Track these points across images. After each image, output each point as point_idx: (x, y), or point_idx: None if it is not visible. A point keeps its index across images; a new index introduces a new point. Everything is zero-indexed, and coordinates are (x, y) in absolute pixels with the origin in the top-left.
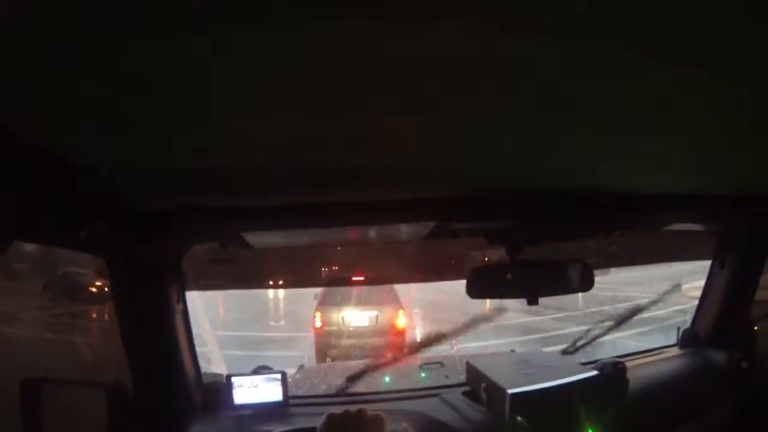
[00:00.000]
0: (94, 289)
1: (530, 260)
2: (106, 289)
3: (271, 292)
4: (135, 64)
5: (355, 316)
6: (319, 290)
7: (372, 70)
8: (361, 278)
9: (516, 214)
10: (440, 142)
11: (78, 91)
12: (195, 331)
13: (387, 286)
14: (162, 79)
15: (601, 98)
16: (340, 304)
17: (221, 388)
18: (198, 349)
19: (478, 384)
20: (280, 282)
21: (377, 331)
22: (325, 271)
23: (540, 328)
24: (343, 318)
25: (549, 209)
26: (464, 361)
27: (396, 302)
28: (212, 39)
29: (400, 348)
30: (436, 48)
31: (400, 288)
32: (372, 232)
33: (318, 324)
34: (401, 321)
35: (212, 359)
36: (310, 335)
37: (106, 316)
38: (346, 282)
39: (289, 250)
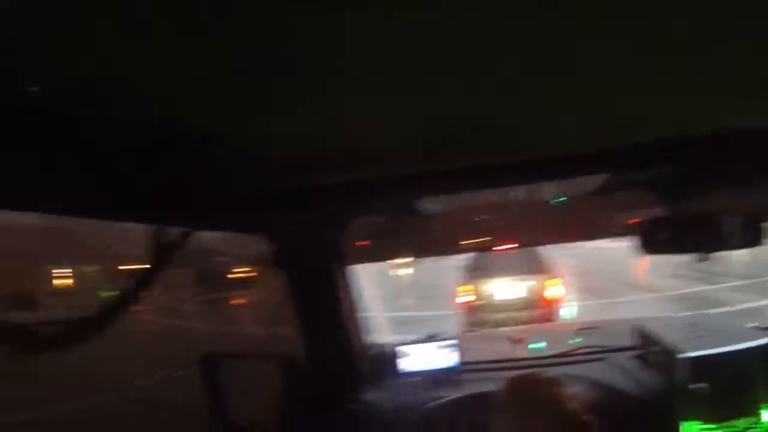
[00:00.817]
0: (238, 276)
1: (697, 213)
2: (251, 273)
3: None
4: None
5: (506, 288)
6: (461, 264)
7: None
8: (514, 242)
9: (684, 161)
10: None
11: (234, 72)
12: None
13: (536, 254)
14: (319, 55)
15: None
16: (489, 275)
17: (391, 356)
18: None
19: (647, 348)
20: (444, 249)
21: (531, 302)
22: (476, 237)
23: (717, 300)
24: (492, 290)
25: (718, 153)
26: (623, 325)
27: (549, 270)
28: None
29: (554, 319)
30: None
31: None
32: (523, 192)
33: (464, 298)
34: (555, 290)
35: (379, 328)
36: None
37: (256, 299)
38: (498, 245)
39: (452, 216)
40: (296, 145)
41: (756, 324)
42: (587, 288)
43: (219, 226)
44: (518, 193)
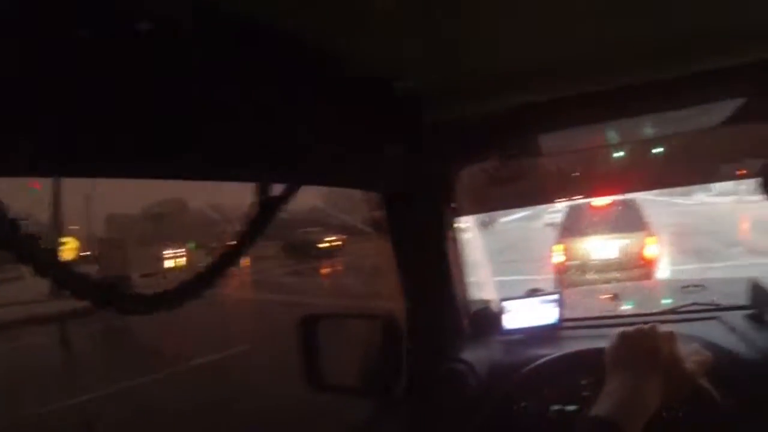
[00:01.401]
0: (325, 245)
1: None
2: (337, 243)
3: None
4: None
5: (602, 247)
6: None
7: None
8: (628, 185)
9: None
10: None
11: None
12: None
13: (634, 210)
14: None
15: None
16: (583, 233)
17: (491, 313)
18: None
19: (765, 306)
20: (561, 196)
21: (627, 262)
22: (578, 185)
23: None
24: (587, 249)
25: None
26: (730, 284)
27: (646, 228)
28: None
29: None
30: None
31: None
32: (649, 126)
33: (559, 258)
34: (653, 249)
35: (483, 285)
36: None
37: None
38: (615, 191)
39: (565, 160)
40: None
41: None
42: (691, 250)
43: (328, 182)
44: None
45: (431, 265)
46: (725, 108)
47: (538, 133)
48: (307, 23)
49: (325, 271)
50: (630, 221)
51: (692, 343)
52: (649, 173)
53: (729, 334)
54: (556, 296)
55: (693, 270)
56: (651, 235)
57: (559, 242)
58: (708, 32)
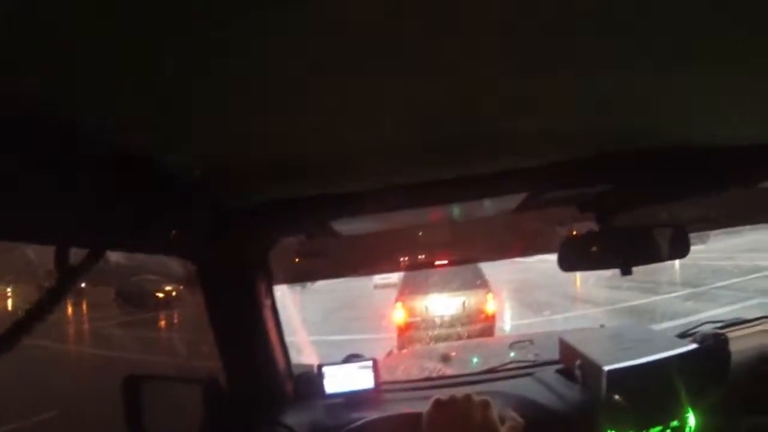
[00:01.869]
0: (161, 295)
1: (622, 227)
2: (173, 293)
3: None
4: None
5: (441, 304)
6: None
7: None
8: (449, 259)
9: (610, 177)
10: (538, 104)
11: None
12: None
13: (472, 269)
14: (224, 65)
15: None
16: (423, 292)
17: (312, 378)
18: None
19: (572, 361)
20: (368, 269)
21: (465, 318)
22: (409, 255)
23: (671, 312)
24: (427, 307)
25: (644, 168)
26: (556, 337)
27: (483, 285)
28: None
29: (491, 335)
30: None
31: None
32: (458, 210)
33: (400, 316)
34: (490, 306)
35: (302, 350)
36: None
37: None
38: (432, 263)
39: (376, 236)
40: (216, 164)
41: (677, 324)
42: (529, 303)
43: (135, 248)
44: (448, 210)
45: (248, 332)
46: (516, 199)
47: (334, 219)
48: (106, 117)
49: (157, 322)
50: (469, 279)
51: (508, 400)
52: (468, 248)
53: (543, 390)
54: (370, 362)
55: (532, 324)
56: (488, 291)
57: (398, 300)
58: (497, 138)
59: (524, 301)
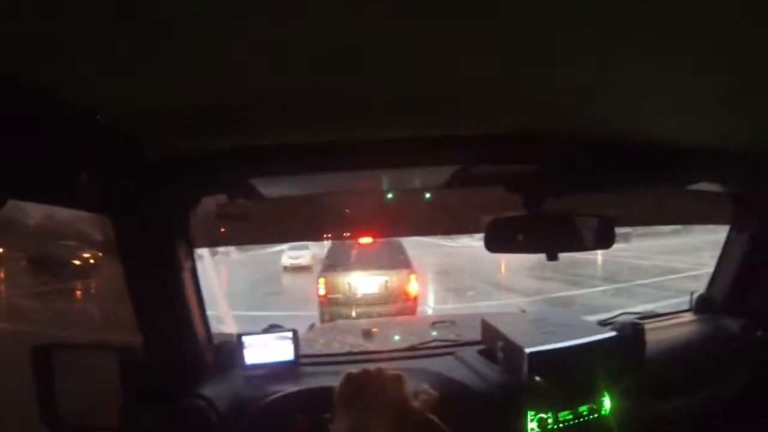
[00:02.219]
0: (78, 262)
1: (550, 213)
2: (91, 261)
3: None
4: None
5: (363, 282)
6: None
7: None
8: (375, 230)
9: (541, 158)
10: (482, 68)
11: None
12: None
13: (397, 249)
14: None
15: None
16: (346, 269)
17: (232, 347)
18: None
19: (493, 342)
20: (290, 236)
21: (387, 297)
22: (335, 224)
23: (596, 306)
24: (349, 284)
25: (577, 154)
26: (479, 319)
27: (407, 266)
28: None
29: (412, 315)
30: None
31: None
32: (388, 179)
33: (322, 291)
34: (413, 286)
35: (223, 319)
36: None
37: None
38: (360, 234)
39: (299, 202)
40: (133, 107)
41: (599, 319)
42: (454, 288)
43: (46, 198)
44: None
45: (169, 298)
46: (445, 172)
47: (257, 176)
48: (23, 64)
49: (74, 292)
50: (392, 259)
51: (428, 378)
52: (395, 223)
53: (463, 369)
54: (290, 333)
55: (458, 309)
56: (412, 272)
57: (321, 276)
58: (427, 103)
59: (449, 286)
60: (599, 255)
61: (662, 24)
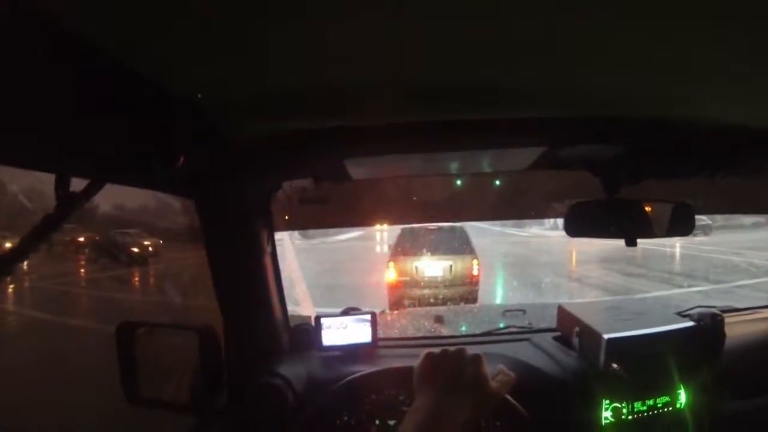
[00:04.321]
0: (136, 250)
1: (630, 198)
2: (150, 248)
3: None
4: None
5: (430, 266)
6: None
7: None
8: (449, 215)
9: (622, 143)
10: (562, 52)
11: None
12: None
13: (460, 236)
14: None
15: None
16: (413, 254)
17: (309, 329)
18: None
19: (570, 329)
20: (372, 219)
21: (451, 280)
22: (412, 208)
23: None
24: (416, 268)
25: (659, 140)
26: (548, 308)
27: (470, 252)
28: None
29: (474, 299)
30: None
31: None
32: (474, 161)
33: (392, 275)
34: (475, 270)
35: (300, 301)
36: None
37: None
38: (434, 218)
39: (383, 183)
40: (227, 94)
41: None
42: (528, 284)
43: (135, 181)
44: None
45: (247, 279)
46: (530, 154)
47: (346, 158)
48: (112, 35)
49: (132, 280)
50: (457, 245)
51: (504, 362)
52: (472, 207)
53: (539, 354)
54: (368, 316)
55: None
56: (474, 258)
57: (391, 260)
58: (517, 84)
59: (521, 282)
60: (677, 248)
61: (739, 6)
